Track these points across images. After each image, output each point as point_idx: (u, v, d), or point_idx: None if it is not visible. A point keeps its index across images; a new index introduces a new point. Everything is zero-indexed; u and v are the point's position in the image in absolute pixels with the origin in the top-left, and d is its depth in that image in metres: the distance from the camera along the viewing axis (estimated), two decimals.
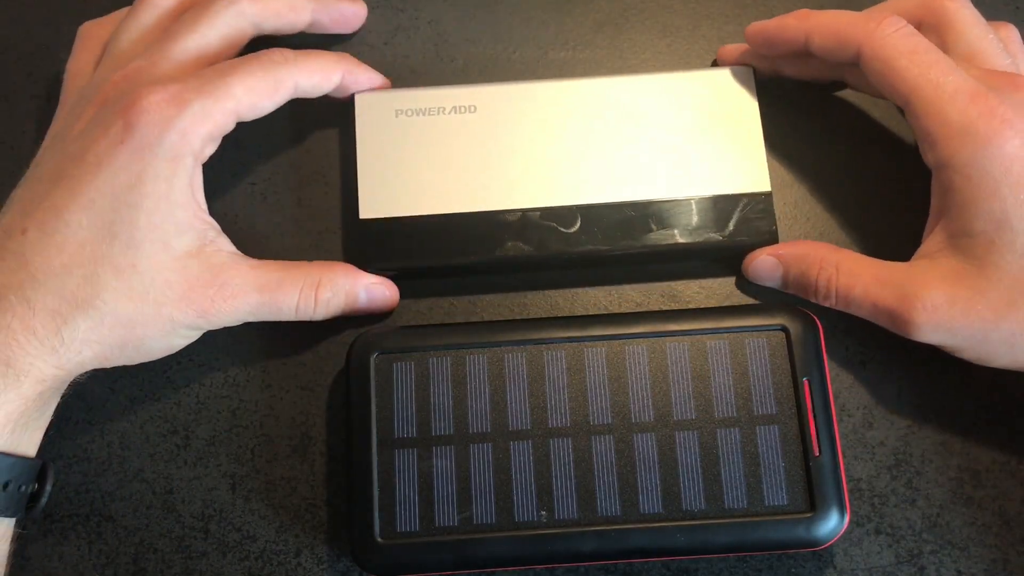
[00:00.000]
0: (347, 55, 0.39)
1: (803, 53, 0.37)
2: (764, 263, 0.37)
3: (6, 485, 0.32)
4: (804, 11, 0.37)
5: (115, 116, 0.33)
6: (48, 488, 0.34)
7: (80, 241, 0.32)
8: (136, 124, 0.33)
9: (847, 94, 0.41)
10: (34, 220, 0.32)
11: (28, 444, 0.33)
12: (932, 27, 0.36)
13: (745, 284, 0.39)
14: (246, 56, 0.36)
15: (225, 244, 0.35)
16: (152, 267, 0.33)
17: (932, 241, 0.35)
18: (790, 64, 0.39)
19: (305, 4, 0.39)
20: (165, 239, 0.33)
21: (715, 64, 0.39)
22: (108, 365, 0.34)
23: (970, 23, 0.36)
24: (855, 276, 0.35)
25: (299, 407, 0.37)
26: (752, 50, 0.39)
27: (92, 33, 0.39)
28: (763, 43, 0.38)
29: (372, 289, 0.37)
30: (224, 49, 0.37)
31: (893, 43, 0.34)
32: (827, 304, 0.36)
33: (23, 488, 0.33)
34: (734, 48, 0.40)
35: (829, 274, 0.36)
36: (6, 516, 0.32)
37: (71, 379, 0.33)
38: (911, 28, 0.34)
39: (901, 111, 0.36)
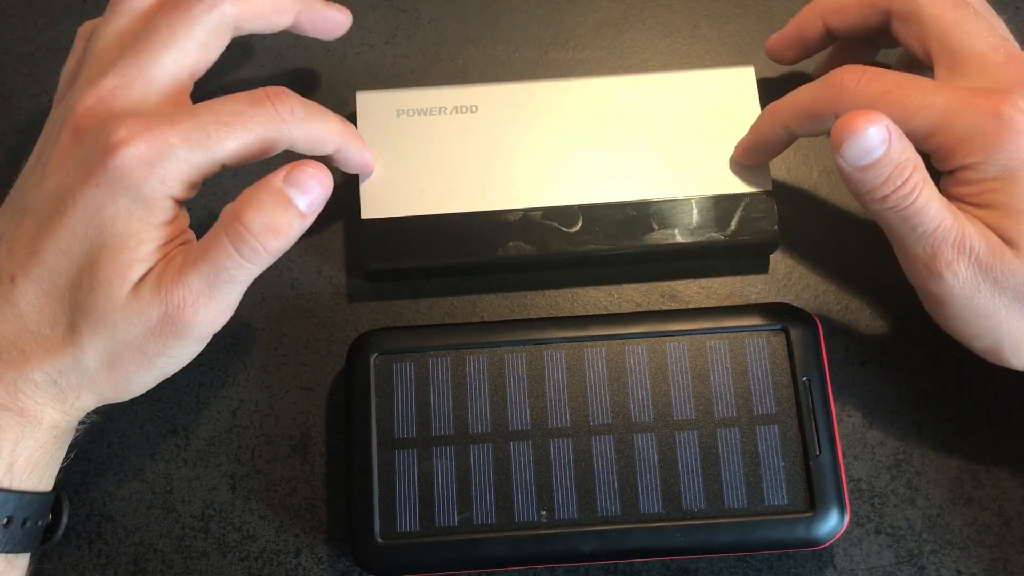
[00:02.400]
0: (351, 125, 0.36)
1: (825, 43, 0.38)
2: (872, 137, 0.31)
3: (24, 522, 0.31)
4: (768, 108, 0.36)
5: (94, 158, 0.31)
6: (64, 520, 0.34)
7: (61, 288, 0.31)
8: (115, 169, 0.31)
9: None
10: (21, 266, 0.31)
11: (46, 481, 0.33)
12: (901, 14, 0.36)
13: (745, 284, 0.39)
14: (248, 102, 0.33)
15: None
16: (112, 307, 0.31)
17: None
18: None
19: (290, 5, 0.36)
20: (128, 275, 0.31)
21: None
22: (114, 402, 0.33)
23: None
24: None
25: (299, 407, 0.37)
26: (756, 145, 0.37)
27: (81, 34, 0.38)
28: (751, 157, 0.37)
29: (296, 176, 0.33)
30: (203, 57, 0.35)
31: (864, 95, 0.33)
32: (891, 204, 0.32)
33: (39, 523, 0.32)
34: (744, 149, 0.38)
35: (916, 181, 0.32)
36: (23, 551, 0.32)
37: (81, 417, 0.33)
38: (872, 71, 0.33)
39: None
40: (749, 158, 0.38)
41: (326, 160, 0.35)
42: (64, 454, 0.33)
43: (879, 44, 0.39)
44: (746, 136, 0.37)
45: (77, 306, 0.31)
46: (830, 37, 0.38)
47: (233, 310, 0.33)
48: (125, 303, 0.31)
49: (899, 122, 0.32)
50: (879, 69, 0.33)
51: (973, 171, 0.32)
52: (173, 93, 0.34)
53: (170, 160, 0.31)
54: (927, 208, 0.31)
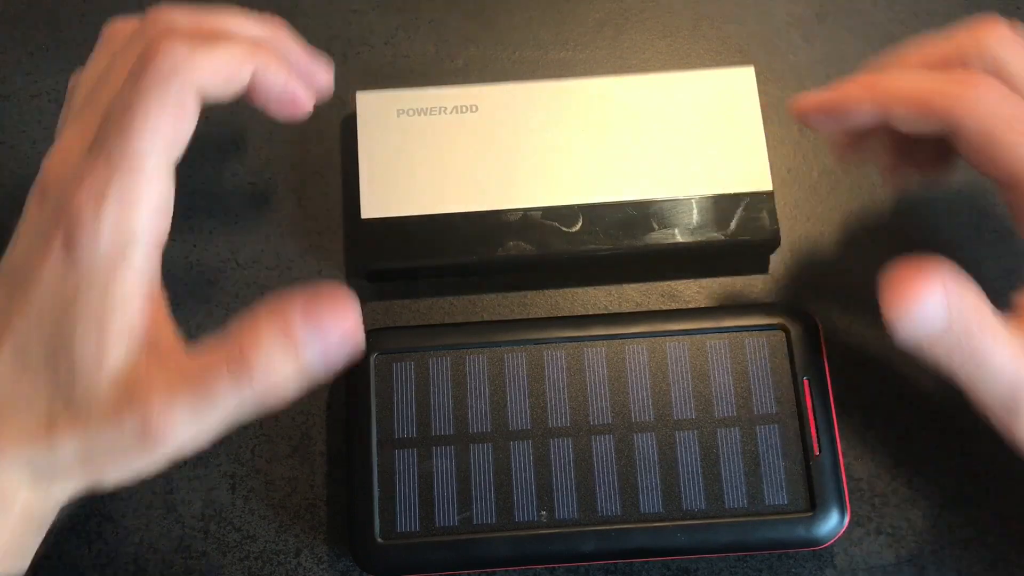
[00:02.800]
0: (263, 46, 0.32)
1: (864, 128, 0.32)
2: (931, 304, 0.28)
3: None
4: (869, 78, 0.32)
5: (52, 227, 0.29)
6: None
7: (36, 366, 0.29)
8: (71, 237, 0.28)
9: (844, 76, 0.41)
10: None
11: (20, 566, 0.30)
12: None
13: (745, 284, 0.39)
14: (133, 80, 0.29)
15: (170, 347, 0.30)
16: (86, 391, 0.28)
17: None
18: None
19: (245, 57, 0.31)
20: (99, 355, 0.29)
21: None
22: (95, 491, 0.30)
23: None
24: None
25: (299, 407, 0.37)
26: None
27: (74, 83, 0.34)
28: (821, 123, 0.33)
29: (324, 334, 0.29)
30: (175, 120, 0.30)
31: (992, 111, 0.29)
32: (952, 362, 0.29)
33: None
34: (814, 106, 0.34)
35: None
36: None
37: (61, 503, 0.30)
38: (1006, 89, 0.29)
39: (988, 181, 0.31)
40: (808, 114, 0.33)
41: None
42: (41, 538, 0.30)
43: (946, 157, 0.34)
44: (820, 93, 0.32)
45: (54, 391, 0.29)
46: (869, 126, 0.32)
47: (215, 436, 0.29)
48: (103, 400, 0.28)
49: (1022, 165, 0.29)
50: (1013, 94, 0.29)
51: None
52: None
53: (107, 209, 0.28)
54: (997, 365, 0.28)
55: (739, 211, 0.38)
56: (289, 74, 0.32)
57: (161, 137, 0.29)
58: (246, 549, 0.36)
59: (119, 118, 0.29)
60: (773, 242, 0.38)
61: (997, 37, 0.31)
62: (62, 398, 0.29)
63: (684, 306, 0.39)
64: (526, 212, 0.37)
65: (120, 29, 0.33)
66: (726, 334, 0.36)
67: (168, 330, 0.30)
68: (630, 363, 0.35)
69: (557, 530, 0.34)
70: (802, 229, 0.40)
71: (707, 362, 0.35)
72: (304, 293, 0.29)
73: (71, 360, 0.29)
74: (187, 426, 0.28)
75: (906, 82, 0.31)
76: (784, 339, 0.35)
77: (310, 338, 0.28)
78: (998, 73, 0.30)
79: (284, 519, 0.36)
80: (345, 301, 0.29)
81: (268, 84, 0.32)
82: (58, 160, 0.30)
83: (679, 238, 0.37)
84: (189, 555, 0.36)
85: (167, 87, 0.29)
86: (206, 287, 0.39)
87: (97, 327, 0.29)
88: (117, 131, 0.29)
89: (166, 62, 0.29)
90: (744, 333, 0.36)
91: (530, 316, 0.38)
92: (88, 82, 0.32)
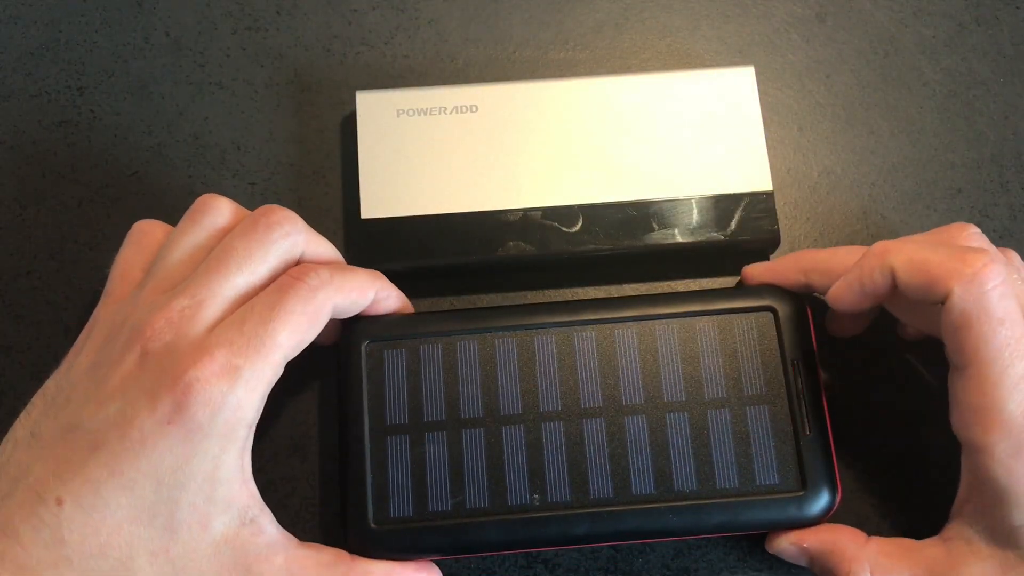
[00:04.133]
0: (379, 273, 0.36)
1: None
2: (787, 552, 0.34)
3: None
4: (881, 244, 0.33)
5: (162, 390, 0.30)
6: None
7: (118, 521, 0.29)
8: (186, 404, 0.29)
9: (844, 79, 0.41)
10: (70, 491, 0.29)
11: None
12: None
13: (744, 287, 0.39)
14: (281, 288, 0.32)
15: (267, 523, 0.32)
16: (185, 553, 0.30)
17: (967, 522, 0.32)
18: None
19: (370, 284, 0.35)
20: (204, 521, 0.30)
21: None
22: None
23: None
24: (891, 574, 0.32)
25: (298, 407, 0.37)
26: (776, 272, 0.36)
27: (146, 231, 0.35)
28: (856, 300, 0.33)
29: None
30: (270, 281, 0.33)
31: (988, 301, 0.30)
32: None
33: None
34: (760, 271, 0.37)
35: None
36: None
37: None
38: (1008, 288, 0.30)
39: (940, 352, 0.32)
40: (807, 275, 0.35)
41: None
42: None
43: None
44: (849, 278, 0.33)
45: (138, 542, 0.30)
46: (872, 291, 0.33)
47: None
48: (202, 566, 0.30)
49: (980, 357, 0.30)
50: (1012, 294, 0.30)
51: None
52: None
53: (239, 385, 0.30)
54: None
55: (739, 211, 0.38)
56: (399, 300, 0.36)
57: (295, 338, 0.32)
58: None
59: (265, 311, 0.31)
60: (773, 242, 0.38)
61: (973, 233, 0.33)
62: (148, 552, 0.30)
63: (673, 289, 0.39)
64: (526, 212, 0.37)
65: (215, 207, 0.35)
66: (715, 316, 0.36)
67: (259, 505, 0.32)
68: (620, 347, 0.35)
69: (550, 513, 0.34)
70: (802, 229, 0.40)
71: (697, 344, 0.35)
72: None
73: (172, 521, 0.30)
74: None
75: (915, 250, 0.32)
76: (773, 320, 0.35)
77: None
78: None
79: (284, 519, 0.36)
80: None
81: (381, 309, 0.36)
82: (161, 319, 0.31)
83: (679, 238, 0.37)
84: None
85: (313, 299, 0.32)
86: None
87: (205, 494, 0.30)
88: (261, 321, 0.31)
89: (315, 280, 0.32)
90: (733, 315, 0.36)
91: (520, 302, 0.38)
92: (184, 242, 0.34)
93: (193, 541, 0.30)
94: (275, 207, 0.33)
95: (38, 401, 0.32)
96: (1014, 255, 0.34)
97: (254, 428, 0.32)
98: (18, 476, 0.30)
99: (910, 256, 0.31)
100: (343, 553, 0.33)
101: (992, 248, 0.33)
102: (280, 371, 0.32)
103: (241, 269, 0.32)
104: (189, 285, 0.32)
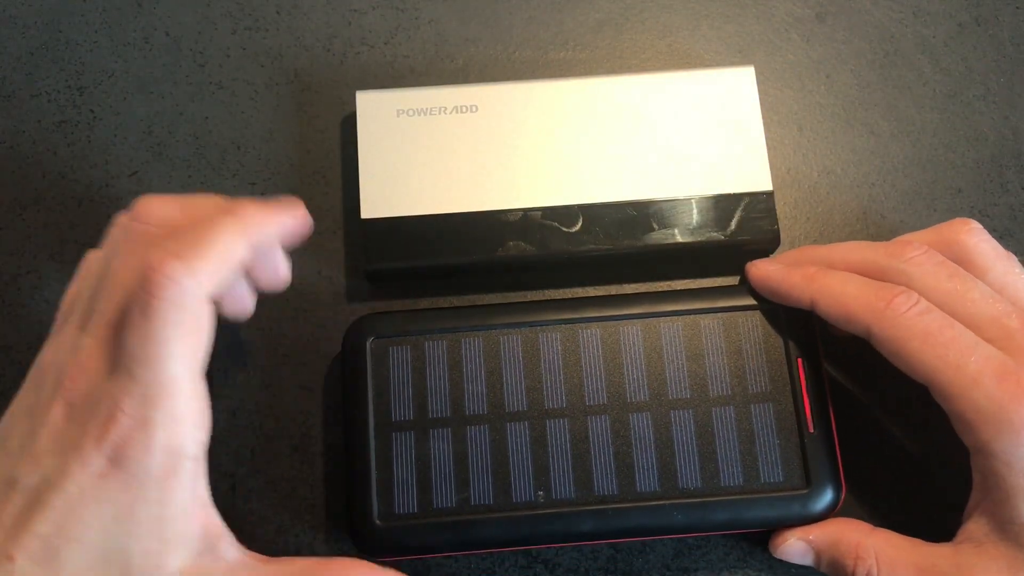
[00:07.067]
0: (241, 209, 0.32)
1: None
2: (794, 548, 0.34)
3: None
4: (811, 271, 0.34)
5: (89, 445, 0.29)
6: None
7: (72, 573, 0.29)
8: (116, 457, 0.29)
9: (844, 79, 0.41)
10: (21, 547, 0.29)
11: None
12: (957, 260, 0.34)
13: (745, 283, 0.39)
14: (142, 310, 0.29)
15: (226, 548, 0.31)
16: None
17: (977, 523, 0.32)
18: None
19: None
20: (158, 561, 0.29)
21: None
22: None
23: (992, 258, 0.34)
24: (896, 566, 0.32)
25: (299, 407, 0.37)
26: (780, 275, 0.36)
27: (90, 260, 0.33)
28: (767, 293, 0.36)
29: None
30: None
31: (905, 325, 0.31)
32: None
33: None
34: (761, 281, 0.37)
35: (869, 567, 0.32)
36: None
37: None
38: (924, 305, 0.32)
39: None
40: (758, 285, 0.36)
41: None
42: None
43: None
44: (771, 268, 0.36)
45: None
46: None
47: None
48: None
49: (929, 370, 0.31)
50: (933, 309, 0.32)
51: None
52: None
53: (160, 427, 0.29)
54: None
55: (739, 211, 0.38)
56: (283, 226, 0.33)
57: (188, 357, 0.29)
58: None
59: (142, 347, 0.29)
60: (773, 242, 0.38)
61: (912, 256, 0.33)
62: None
63: (677, 287, 0.39)
64: (526, 212, 0.37)
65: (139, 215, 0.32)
66: (720, 314, 0.36)
67: (219, 529, 0.31)
68: (625, 344, 0.35)
69: (554, 510, 0.34)
70: (802, 229, 0.40)
71: (701, 342, 0.35)
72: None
73: (125, 565, 0.29)
74: None
75: (836, 286, 0.34)
76: (777, 317, 0.36)
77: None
78: (960, 256, 0.34)
79: (284, 519, 0.36)
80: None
81: (263, 262, 0.33)
82: (79, 383, 0.30)
83: (679, 238, 0.37)
84: None
85: (181, 311, 0.29)
86: None
87: (157, 535, 0.29)
88: (144, 361, 0.29)
89: (169, 288, 0.29)
90: (737, 312, 0.36)
91: (525, 299, 0.38)
92: (85, 288, 0.32)
93: None
94: (161, 250, 0.30)
95: None
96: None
97: (203, 454, 0.31)
98: None
99: (830, 291, 0.33)
100: (313, 561, 0.32)
101: (993, 247, 0.34)
102: (200, 389, 0.30)
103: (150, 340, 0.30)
104: (95, 320, 0.30)
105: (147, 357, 0.29)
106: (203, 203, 0.32)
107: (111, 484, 0.29)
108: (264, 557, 0.32)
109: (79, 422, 0.29)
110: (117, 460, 0.29)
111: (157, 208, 0.32)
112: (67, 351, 0.30)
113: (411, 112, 0.38)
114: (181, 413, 0.29)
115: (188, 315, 0.29)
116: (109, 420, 0.29)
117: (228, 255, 0.30)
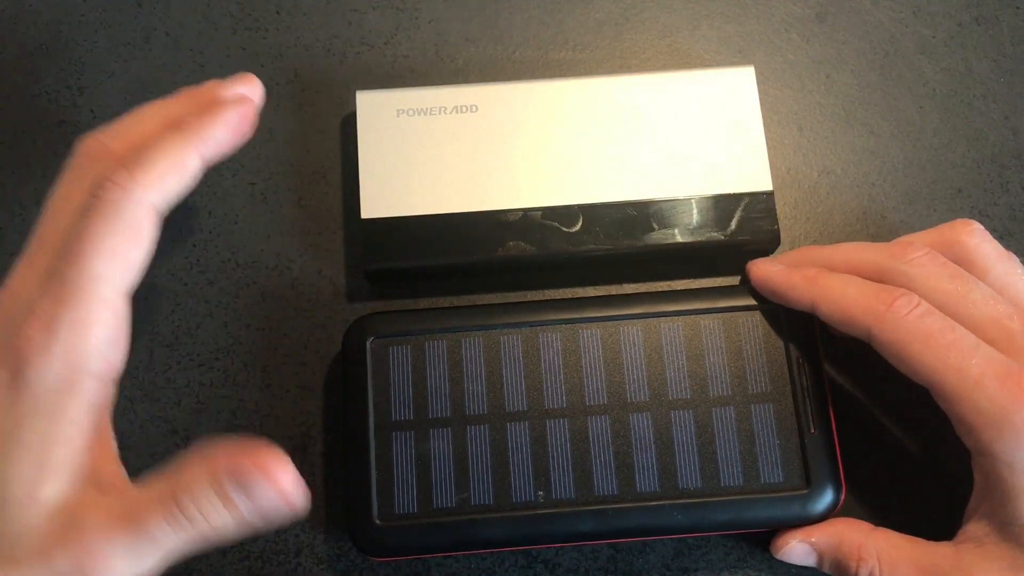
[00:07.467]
0: (193, 124, 0.32)
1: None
2: (796, 550, 0.34)
3: None
4: (812, 273, 0.34)
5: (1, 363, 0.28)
6: None
7: None
8: (18, 367, 0.28)
9: (844, 79, 0.41)
10: None
11: None
12: (958, 261, 0.34)
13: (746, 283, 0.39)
14: (82, 213, 0.29)
15: (118, 493, 0.29)
16: (18, 526, 0.27)
17: (978, 524, 0.32)
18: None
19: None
20: (32, 490, 0.27)
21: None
22: None
23: (993, 259, 0.34)
24: (897, 566, 0.32)
25: (299, 407, 0.37)
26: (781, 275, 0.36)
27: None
28: (768, 293, 0.36)
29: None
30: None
31: (906, 327, 0.31)
32: None
33: None
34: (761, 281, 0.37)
35: (871, 567, 0.32)
36: None
37: None
38: (925, 307, 0.32)
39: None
40: (758, 286, 0.36)
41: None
42: None
43: None
44: (771, 268, 0.36)
45: None
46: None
47: (159, 570, 0.28)
48: (36, 538, 0.27)
49: (930, 373, 0.31)
50: (934, 311, 0.32)
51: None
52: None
53: (59, 337, 0.28)
54: None
55: (739, 211, 0.38)
56: (227, 129, 0.32)
57: (116, 263, 0.29)
58: (246, 549, 0.36)
59: (72, 248, 0.29)
60: (773, 242, 0.38)
61: (914, 258, 0.33)
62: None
63: (678, 287, 0.39)
64: (526, 212, 0.37)
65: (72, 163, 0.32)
66: (720, 314, 0.36)
67: (113, 466, 0.29)
68: (625, 344, 0.35)
69: (554, 510, 0.34)
70: (802, 229, 0.40)
71: (701, 342, 0.35)
72: (228, 451, 0.28)
73: (4, 493, 0.27)
74: (125, 564, 0.27)
75: (837, 289, 0.33)
76: (777, 317, 0.36)
77: (241, 498, 0.27)
78: (961, 257, 0.34)
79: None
80: (274, 461, 0.28)
81: (218, 153, 0.32)
82: (6, 298, 0.29)
83: (679, 238, 0.37)
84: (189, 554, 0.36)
85: (119, 213, 0.29)
86: (206, 287, 0.39)
87: (37, 459, 0.28)
88: (70, 261, 0.28)
89: (114, 192, 0.29)
90: (738, 312, 0.36)
91: (525, 299, 0.38)
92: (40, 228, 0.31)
93: (18, 510, 0.27)
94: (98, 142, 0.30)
95: None
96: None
97: (110, 380, 0.29)
98: None
99: (831, 294, 0.33)
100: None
101: (994, 247, 0.34)
102: (121, 306, 0.29)
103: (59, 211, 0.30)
104: (41, 235, 0.30)
105: (74, 253, 0.28)
106: (148, 123, 0.32)
107: (8, 401, 0.28)
108: (137, 488, 0.29)
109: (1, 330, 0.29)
110: (18, 370, 0.28)
111: (103, 138, 0.31)
112: (6, 281, 0.30)
113: (411, 112, 0.38)
114: (92, 319, 0.28)
115: (127, 221, 0.29)
116: (21, 323, 0.28)
117: (176, 168, 0.31)
